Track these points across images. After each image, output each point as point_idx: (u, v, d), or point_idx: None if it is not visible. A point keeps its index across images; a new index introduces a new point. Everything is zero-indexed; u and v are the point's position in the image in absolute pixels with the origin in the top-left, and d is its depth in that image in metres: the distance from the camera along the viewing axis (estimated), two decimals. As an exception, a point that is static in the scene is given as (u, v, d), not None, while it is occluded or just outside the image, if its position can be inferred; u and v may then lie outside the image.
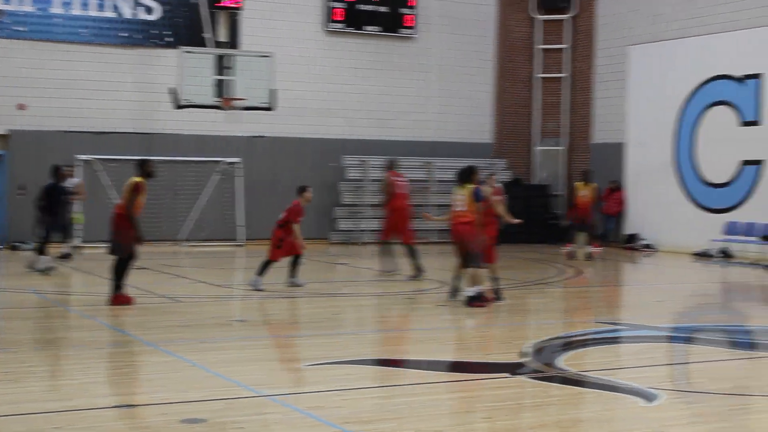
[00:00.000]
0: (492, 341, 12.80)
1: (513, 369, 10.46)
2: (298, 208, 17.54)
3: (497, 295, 15.68)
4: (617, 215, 28.67)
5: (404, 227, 19.22)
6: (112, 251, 14.93)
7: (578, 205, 24.56)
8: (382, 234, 19.79)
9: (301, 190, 17.86)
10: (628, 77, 28.92)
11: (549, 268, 22.17)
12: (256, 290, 16.80)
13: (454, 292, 15.56)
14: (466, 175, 15.67)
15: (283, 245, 17.20)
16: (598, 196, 25.67)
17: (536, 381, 9.94)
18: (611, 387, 9.68)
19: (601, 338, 12.95)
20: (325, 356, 11.21)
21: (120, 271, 14.82)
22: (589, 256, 24.12)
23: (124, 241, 14.72)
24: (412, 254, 19.00)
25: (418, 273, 18.77)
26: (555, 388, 9.74)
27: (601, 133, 30.02)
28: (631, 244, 28.05)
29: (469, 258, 15.03)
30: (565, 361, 10.91)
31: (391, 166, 19.97)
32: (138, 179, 14.88)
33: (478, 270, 15.07)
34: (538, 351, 11.48)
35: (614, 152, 29.14)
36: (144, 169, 15.09)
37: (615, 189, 28.57)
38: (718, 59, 26.20)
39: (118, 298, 14.80)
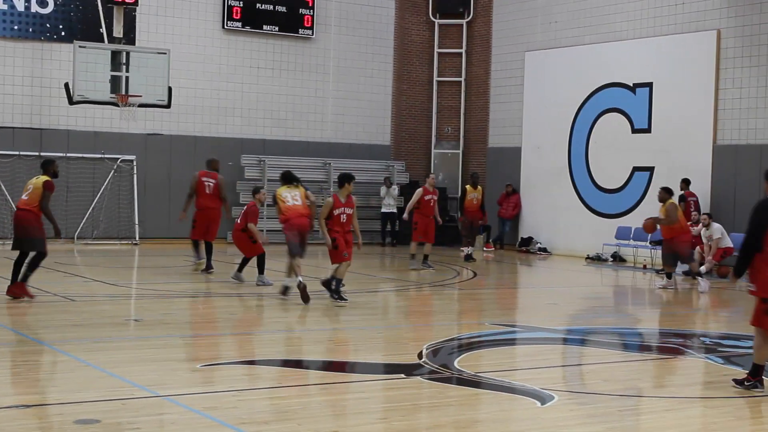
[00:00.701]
0: (388, 342, 12.85)
1: (409, 370, 10.52)
2: (254, 209, 17.97)
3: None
4: (513, 218, 29.05)
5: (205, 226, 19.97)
6: (25, 247, 15.07)
7: (467, 208, 24.91)
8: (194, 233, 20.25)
9: (255, 191, 18.62)
10: (524, 82, 29.30)
11: (445, 270, 22.34)
12: (265, 285, 17.62)
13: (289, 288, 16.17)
14: (290, 176, 16.62)
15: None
16: (483, 199, 25.88)
17: (432, 382, 10.01)
18: (507, 388, 9.80)
19: (497, 340, 13.09)
20: (220, 356, 11.15)
21: (35, 265, 15.02)
22: (471, 257, 24.43)
23: (39, 236, 14.96)
24: (209, 251, 19.94)
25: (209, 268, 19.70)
26: (452, 389, 9.83)
27: (497, 137, 30.37)
28: (526, 247, 28.44)
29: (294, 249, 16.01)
30: (461, 363, 11.01)
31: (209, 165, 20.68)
32: (46, 178, 15.07)
33: (296, 260, 15.87)
34: (434, 352, 11.57)
35: (510, 156, 29.51)
36: (50, 168, 15.35)
37: (511, 192, 28.93)
38: (611, 67, 26.70)
39: (21, 287, 14.93)
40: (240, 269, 18.21)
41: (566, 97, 27.86)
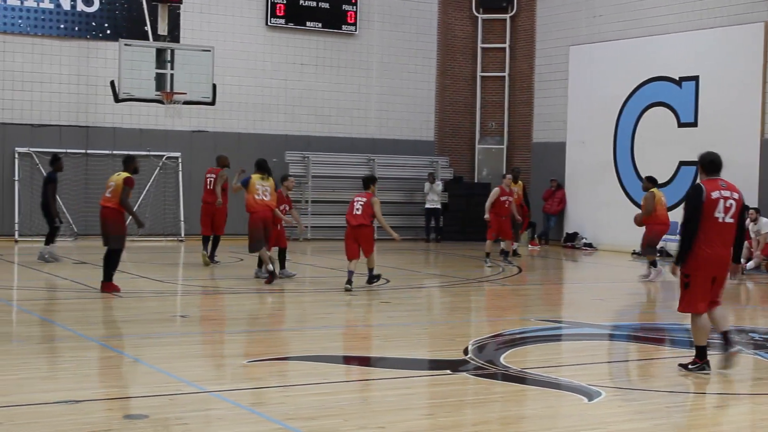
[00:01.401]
0: (433, 338, 12.83)
1: (455, 366, 10.49)
2: (280, 197, 18.12)
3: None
4: (557, 214, 28.92)
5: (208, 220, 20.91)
6: (108, 243, 15.67)
7: None
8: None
9: (283, 178, 18.87)
10: (568, 77, 29.16)
11: (491, 265, 22.26)
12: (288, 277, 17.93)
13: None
14: (265, 165, 17.86)
15: (272, 236, 17.78)
16: (526, 194, 25.75)
17: (478, 378, 9.98)
18: (553, 384, 9.75)
19: (542, 336, 13.04)
20: (267, 352, 11.18)
21: (113, 262, 15.65)
22: (516, 253, 24.33)
23: (119, 233, 15.76)
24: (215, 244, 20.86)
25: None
26: (497, 385, 9.80)
27: (541, 132, 30.24)
28: (571, 242, 28.30)
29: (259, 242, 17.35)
30: (507, 359, 10.97)
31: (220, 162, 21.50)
32: (126, 174, 15.77)
33: (265, 252, 17.42)
34: (480, 348, 11.54)
35: (555, 151, 29.38)
36: (131, 165, 16.12)
37: (555, 188, 28.80)
38: (656, 61, 26.49)
39: (109, 286, 15.57)
40: (282, 266, 18.23)
41: (611, 92, 27.68)
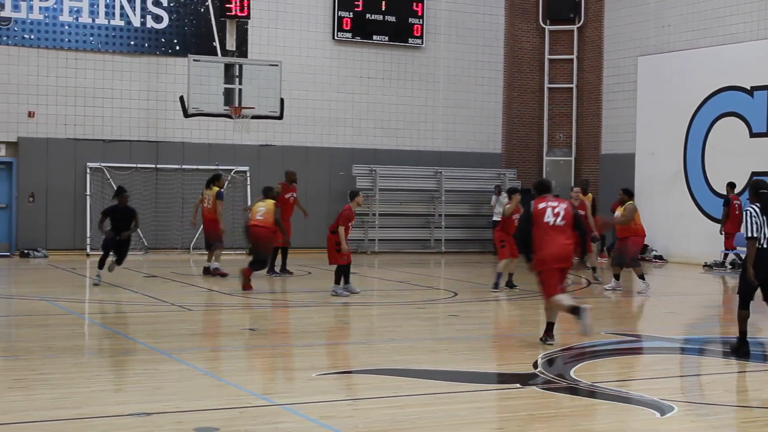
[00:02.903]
0: (502, 351, 12.76)
1: (524, 380, 10.42)
2: (347, 213, 17.85)
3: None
4: (627, 226, 28.56)
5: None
6: (258, 256, 18.86)
7: None
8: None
9: (353, 195, 18.48)
10: (637, 88, 28.91)
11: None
12: (339, 296, 17.68)
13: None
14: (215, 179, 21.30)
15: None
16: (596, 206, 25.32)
17: (548, 392, 9.90)
18: (624, 398, 9.63)
19: (613, 349, 12.90)
20: (336, 365, 11.19)
21: (258, 268, 18.91)
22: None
23: (268, 250, 19.59)
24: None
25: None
26: (567, 399, 9.71)
27: (610, 144, 30.00)
28: (642, 254, 27.93)
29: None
30: (577, 372, 10.87)
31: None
32: (273, 201, 19.43)
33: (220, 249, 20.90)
34: (549, 362, 11.44)
35: (624, 162, 29.12)
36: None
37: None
38: (727, 70, 26.16)
39: (249, 281, 18.22)
40: (346, 280, 18.05)
41: (681, 102, 27.39)
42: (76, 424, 8.11)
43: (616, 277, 19.68)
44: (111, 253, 19.04)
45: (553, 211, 12.72)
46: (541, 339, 12.75)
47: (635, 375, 11.50)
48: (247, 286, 18.13)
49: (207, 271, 21.09)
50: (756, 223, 11.76)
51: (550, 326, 12.87)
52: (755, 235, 11.77)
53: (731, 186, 25.23)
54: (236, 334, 13.51)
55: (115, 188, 20.78)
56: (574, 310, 12.45)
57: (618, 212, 19.65)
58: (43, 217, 26.09)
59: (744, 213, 12.05)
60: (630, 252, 19.57)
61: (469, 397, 9.77)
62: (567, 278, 12.94)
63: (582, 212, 20.81)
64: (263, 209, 19.00)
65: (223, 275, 20.52)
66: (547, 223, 12.65)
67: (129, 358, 11.22)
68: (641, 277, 19.59)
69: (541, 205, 12.76)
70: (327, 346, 12.81)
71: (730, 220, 24.61)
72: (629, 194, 20.05)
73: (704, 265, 25.61)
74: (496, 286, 19.26)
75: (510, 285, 19.56)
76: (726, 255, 25.34)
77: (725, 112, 26.28)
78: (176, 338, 13.02)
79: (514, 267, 19.69)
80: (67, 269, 22.33)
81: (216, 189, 21.25)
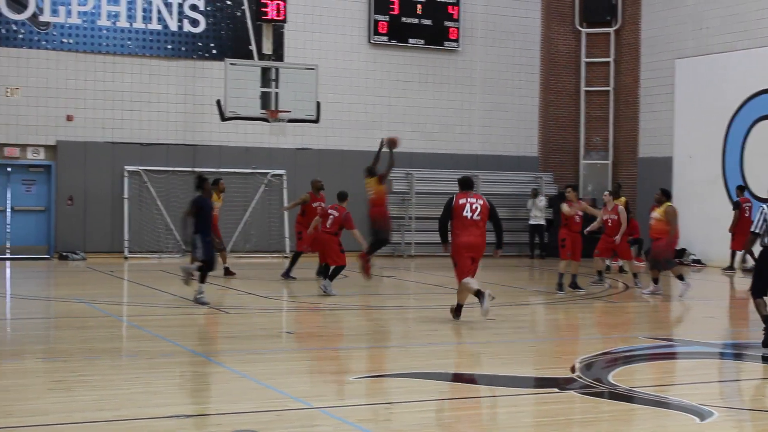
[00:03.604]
0: (539, 356, 12.71)
1: (562, 384, 10.37)
2: (349, 216, 18.86)
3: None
4: (664, 229, 28.39)
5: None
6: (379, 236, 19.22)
7: None
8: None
9: (345, 196, 19.31)
10: (674, 90, 28.74)
11: (595, 281, 21.98)
12: (327, 295, 17.84)
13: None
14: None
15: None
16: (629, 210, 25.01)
17: (586, 396, 9.84)
18: (663, 403, 9.57)
19: (651, 354, 12.82)
20: (374, 369, 11.19)
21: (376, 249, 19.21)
22: (620, 270, 23.94)
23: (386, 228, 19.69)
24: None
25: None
26: (605, 403, 9.66)
27: (647, 147, 29.85)
28: (680, 259, 27.76)
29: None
30: (615, 377, 10.80)
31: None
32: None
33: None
34: (587, 366, 11.39)
35: (661, 166, 28.95)
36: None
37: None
38: (766, 73, 25.95)
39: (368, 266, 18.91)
40: (332, 279, 18.41)
41: (719, 105, 27.20)
42: (116, 425, 8.15)
43: (655, 280, 19.47)
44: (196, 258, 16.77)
45: (471, 206, 14.69)
46: (454, 317, 14.96)
47: (674, 380, 11.42)
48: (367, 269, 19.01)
49: (228, 272, 21.35)
50: (766, 221, 12.91)
51: (459, 307, 15.00)
52: (758, 231, 12.90)
53: (741, 189, 25.57)
54: (273, 337, 13.55)
55: (195, 177, 17.79)
56: (478, 293, 14.38)
57: (656, 213, 19.43)
58: (81, 220, 26.29)
59: (758, 211, 13.15)
60: (661, 254, 19.34)
61: (506, 401, 9.74)
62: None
63: (614, 216, 20.60)
64: (371, 190, 19.38)
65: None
66: (465, 216, 14.63)
67: (167, 361, 11.27)
68: (680, 277, 19.30)
69: (462, 201, 14.70)
70: (363, 349, 12.81)
71: (740, 222, 24.89)
72: (667, 195, 19.71)
73: (743, 270, 25.37)
74: (560, 287, 19.23)
75: (574, 286, 19.43)
76: (734, 255, 25.35)
77: (764, 115, 26.08)
78: (213, 341, 13.07)
79: (576, 268, 19.64)
80: (105, 272, 22.47)
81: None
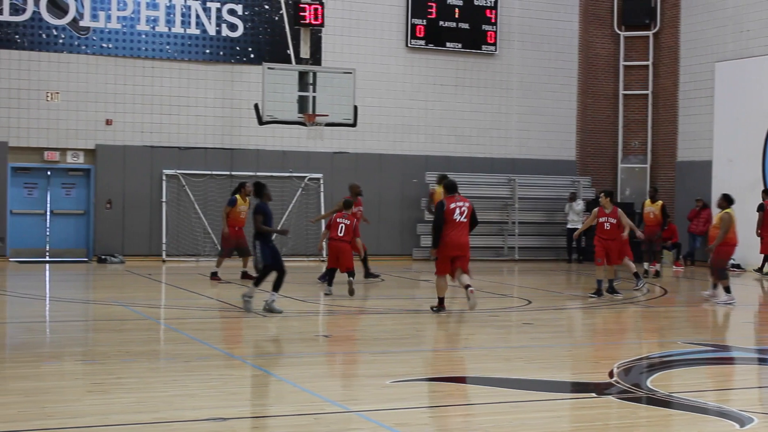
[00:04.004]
0: (577, 360, 12.65)
1: (600, 389, 10.32)
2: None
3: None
4: (704, 234, 28.18)
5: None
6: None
7: (645, 223, 24.03)
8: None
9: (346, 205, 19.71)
10: (714, 94, 28.52)
11: (631, 285, 21.85)
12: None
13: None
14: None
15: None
16: (666, 214, 24.73)
17: (624, 401, 9.78)
18: (702, 409, 9.49)
19: (690, 359, 12.72)
20: (410, 373, 11.18)
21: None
22: (657, 274, 23.72)
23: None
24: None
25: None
26: (643, 409, 9.59)
27: (686, 151, 29.64)
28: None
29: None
30: (653, 382, 10.73)
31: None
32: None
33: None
34: (626, 371, 11.32)
35: (700, 170, 28.74)
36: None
37: (701, 207, 28.11)
38: (807, 76, 25.74)
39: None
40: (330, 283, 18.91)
41: (760, 108, 26.97)
42: (154, 428, 8.19)
43: (727, 289, 18.74)
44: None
45: (459, 210, 15.93)
46: (432, 309, 16.20)
47: (713, 385, 11.32)
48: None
49: (245, 275, 21.25)
50: None
51: (441, 300, 16.26)
52: None
53: (766, 192, 25.86)
54: (310, 341, 13.57)
55: (253, 184, 17.53)
56: (467, 287, 15.81)
57: (715, 219, 19.15)
58: (120, 224, 26.45)
59: None
60: (714, 262, 18.95)
61: (543, 405, 9.70)
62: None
63: (613, 220, 19.54)
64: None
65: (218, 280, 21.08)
66: (455, 220, 15.87)
67: (204, 364, 11.32)
68: (727, 289, 18.72)
69: (452, 205, 15.91)
70: (401, 353, 12.80)
71: (765, 225, 25.40)
72: (728, 200, 19.11)
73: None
74: (598, 292, 19.04)
75: (612, 291, 19.29)
76: (766, 259, 25.73)
77: (805, 118, 25.85)
78: (251, 344, 13.10)
79: (614, 272, 19.50)
80: (143, 275, 22.61)
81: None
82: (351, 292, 18.28)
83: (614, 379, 10.80)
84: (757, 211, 25.47)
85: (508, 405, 9.64)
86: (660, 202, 24.12)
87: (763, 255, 25.75)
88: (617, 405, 9.70)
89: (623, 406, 9.63)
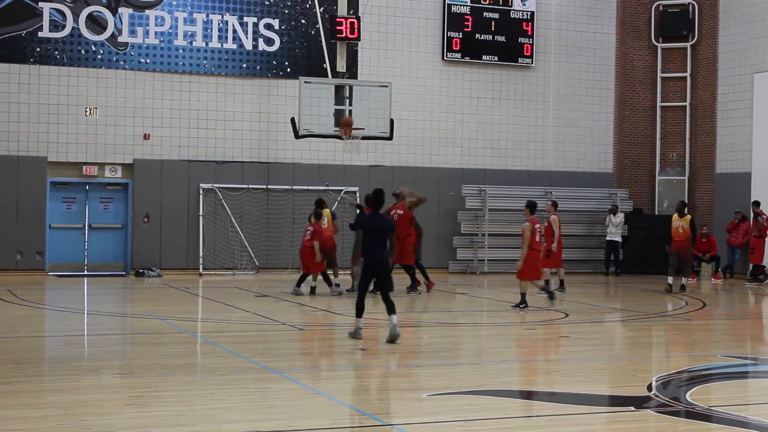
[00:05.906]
0: (615, 373, 12.57)
1: (638, 402, 10.24)
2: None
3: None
4: (743, 246, 27.98)
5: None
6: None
7: (673, 237, 23.68)
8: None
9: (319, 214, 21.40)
10: (753, 105, 28.31)
11: (672, 299, 21.73)
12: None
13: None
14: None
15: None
16: (695, 228, 24.43)
17: (663, 415, 9.71)
18: (742, 423, 9.40)
19: (729, 373, 12.61)
20: (447, 386, 11.14)
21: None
22: (683, 288, 23.42)
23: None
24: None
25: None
26: (682, 423, 9.52)
27: (725, 163, 29.43)
28: (761, 276, 27.30)
29: None
30: (692, 396, 10.64)
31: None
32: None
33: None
34: (664, 384, 11.23)
35: (739, 182, 28.52)
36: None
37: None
38: None
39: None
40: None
41: (799, 120, 26.74)
42: (191, 441, 8.22)
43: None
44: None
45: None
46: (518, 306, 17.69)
47: (753, 399, 11.21)
48: None
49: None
50: None
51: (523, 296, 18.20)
52: None
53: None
54: (347, 354, 13.56)
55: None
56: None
57: (684, 223, 19.34)
58: (157, 237, 26.60)
59: None
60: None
61: (581, 419, 9.64)
62: None
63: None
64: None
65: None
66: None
67: (241, 377, 11.34)
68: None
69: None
70: (437, 366, 12.77)
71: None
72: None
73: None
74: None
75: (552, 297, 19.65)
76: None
77: None
78: (288, 357, 13.12)
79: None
80: (180, 288, 22.71)
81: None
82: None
83: (653, 392, 10.72)
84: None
85: (545, 419, 9.59)
86: (689, 217, 23.74)
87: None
88: (655, 419, 9.62)
89: (662, 420, 9.55)
